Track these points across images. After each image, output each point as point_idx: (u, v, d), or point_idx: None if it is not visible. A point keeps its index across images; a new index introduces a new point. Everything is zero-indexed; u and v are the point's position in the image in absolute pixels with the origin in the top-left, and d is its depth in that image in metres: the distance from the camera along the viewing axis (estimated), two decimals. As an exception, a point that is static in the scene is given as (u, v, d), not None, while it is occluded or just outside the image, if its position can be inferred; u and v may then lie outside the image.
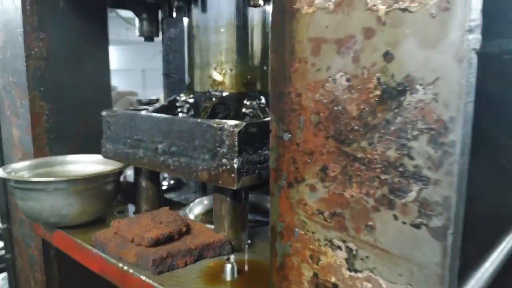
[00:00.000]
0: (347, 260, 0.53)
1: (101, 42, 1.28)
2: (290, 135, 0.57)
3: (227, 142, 0.78)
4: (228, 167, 0.78)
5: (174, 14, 1.11)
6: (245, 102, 0.98)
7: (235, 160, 0.77)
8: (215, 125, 0.80)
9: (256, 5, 0.95)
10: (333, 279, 0.55)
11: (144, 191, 1.06)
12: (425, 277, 0.46)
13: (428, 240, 0.46)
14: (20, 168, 1.10)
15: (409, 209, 0.47)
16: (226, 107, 0.99)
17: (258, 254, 0.87)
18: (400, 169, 0.47)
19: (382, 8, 0.46)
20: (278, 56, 0.56)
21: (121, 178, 1.13)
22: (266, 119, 0.90)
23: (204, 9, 0.99)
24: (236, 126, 0.78)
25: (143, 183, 1.06)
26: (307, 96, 0.54)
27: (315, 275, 0.57)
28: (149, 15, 1.38)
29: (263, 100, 1.00)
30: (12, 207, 1.35)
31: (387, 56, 0.46)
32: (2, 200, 1.52)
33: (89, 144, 1.21)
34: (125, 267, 0.81)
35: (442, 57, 0.42)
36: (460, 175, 0.44)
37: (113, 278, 0.85)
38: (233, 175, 0.78)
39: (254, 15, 0.99)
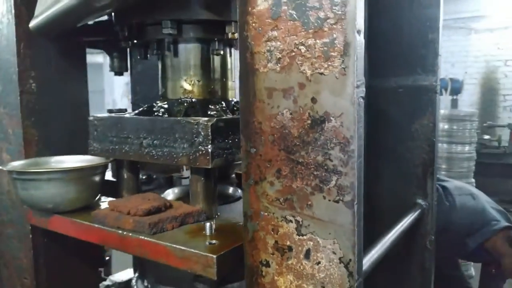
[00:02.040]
0: (296, 228, 0.82)
1: (80, 77, 1.50)
2: (255, 149, 0.85)
3: (202, 133, 1.05)
4: (204, 151, 1.05)
5: (148, 56, 1.36)
6: (210, 106, 1.24)
7: (209, 146, 1.04)
8: (192, 121, 1.07)
9: (218, 54, 1.24)
10: (288, 243, 0.83)
11: (126, 181, 1.30)
12: (344, 232, 0.76)
13: (343, 210, 0.76)
14: (18, 165, 1.28)
15: (332, 191, 0.77)
16: (195, 110, 1.24)
17: (225, 221, 1.13)
18: (325, 167, 0.77)
19: (309, 72, 0.76)
20: (246, 98, 0.84)
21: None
22: (230, 117, 1.18)
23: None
24: (209, 120, 1.05)
25: (125, 175, 1.29)
26: (265, 124, 0.83)
27: (276, 242, 0.85)
28: (120, 53, 1.62)
29: (224, 105, 1.27)
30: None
31: (313, 100, 0.76)
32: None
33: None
34: (125, 233, 1.04)
35: (343, 101, 0.73)
36: (358, 169, 0.74)
37: (113, 244, 1.08)
38: (208, 157, 1.05)
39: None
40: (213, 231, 1.01)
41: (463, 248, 2.15)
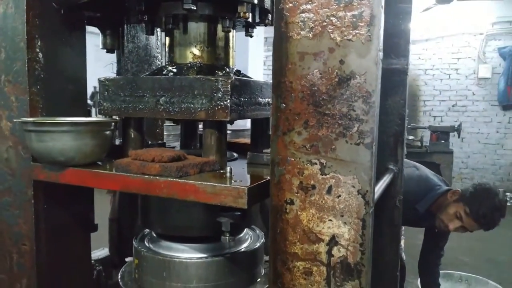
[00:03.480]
0: (320, 169, 0.99)
1: (81, 50, 1.55)
2: (285, 105, 1.01)
3: (222, 89, 1.19)
4: (223, 106, 1.19)
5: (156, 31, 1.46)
6: (216, 71, 1.37)
7: (228, 101, 1.18)
8: (213, 78, 1.20)
9: (228, 31, 1.38)
10: (311, 182, 1.00)
11: (133, 141, 1.39)
12: (363, 169, 0.95)
13: (363, 150, 0.94)
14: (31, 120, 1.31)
15: (354, 136, 0.95)
16: (204, 73, 1.36)
17: (238, 171, 1.28)
18: (349, 117, 0.95)
19: (338, 38, 0.94)
20: (278, 61, 1.00)
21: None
22: (242, 78, 1.31)
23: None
24: (228, 77, 1.19)
25: (132, 134, 1.39)
26: (296, 83, 0.99)
27: (301, 182, 1.02)
28: (112, 31, 1.70)
29: (228, 70, 1.41)
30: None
31: (341, 62, 0.94)
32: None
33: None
34: (151, 177, 1.14)
35: (368, 62, 0.92)
36: (377, 117, 0.94)
37: (138, 188, 1.16)
38: (226, 111, 1.19)
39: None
40: (232, 174, 1.15)
41: (413, 214, 2.46)
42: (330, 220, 0.99)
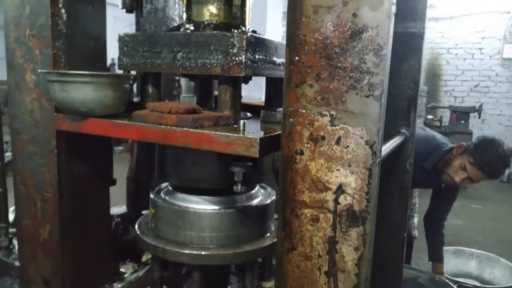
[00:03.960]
0: (330, 121, 1.03)
1: (101, 7, 1.60)
2: (298, 58, 1.04)
3: (237, 45, 1.22)
4: (238, 61, 1.23)
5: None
6: (232, 30, 1.40)
7: (243, 56, 1.22)
8: (228, 34, 1.24)
9: None
10: (321, 133, 1.04)
11: (150, 96, 1.45)
12: (371, 120, 0.98)
13: (373, 102, 0.97)
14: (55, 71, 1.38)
15: (364, 88, 0.98)
16: (220, 31, 1.40)
17: (251, 127, 1.31)
18: (360, 69, 0.98)
19: (353, -9, 0.96)
20: (292, 15, 1.03)
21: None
22: (257, 35, 1.33)
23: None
24: (244, 33, 1.23)
25: (150, 90, 1.45)
26: (309, 36, 1.02)
27: (311, 133, 1.05)
28: (132, -9, 1.73)
29: (244, 29, 1.44)
30: (17, 142, 1.60)
31: (354, 15, 0.96)
32: (-1, 141, 1.75)
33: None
34: (168, 127, 1.19)
35: (380, 15, 0.94)
36: (387, 69, 0.96)
37: (156, 137, 1.22)
38: (241, 66, 1.23)
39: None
40: (245, 125, 1.19)
41: (421, 174, 2.51)
42: (338, 169, 1.03)
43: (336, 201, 1.04)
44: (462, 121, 6.70)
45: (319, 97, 1.03)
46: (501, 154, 2.38)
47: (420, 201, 3.62)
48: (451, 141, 2.78)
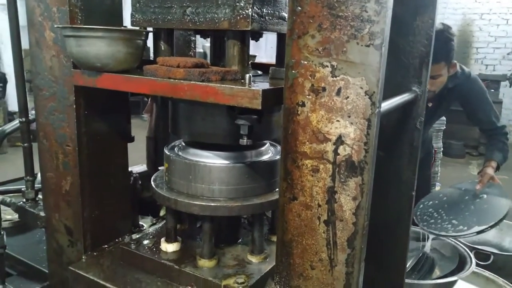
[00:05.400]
0: (331, 72, 1.04)
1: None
2: (300, 8, 1.05)
3: None
4: (245, 15, 1.25)
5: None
6: None
7: (249, 10, 1.24)
8: None
9: None
10: (322, 84, 1.05)
11: (162, 53, 1.49)
12: (371, 70, 0.99)
13: (373, 51, 0.98)
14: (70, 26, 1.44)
15: (364, 37, 0.98)
16: None
17: (259, 82, 1.32)
18: (361, 18, 0.98)
19: None
20: (296, -36, 1.03)
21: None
22: None
23: None
24: None
25: (162, 46, 1.49)
26: (312, -14, 1.02)
27: (312, 85, 1.07)
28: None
29: None
30: (39, 98, 1.67)
31: (356, -38, 0.96)
32: (21, 96, 1.83)
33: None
34: (176, 81, 1.23)
35: (382, -38, 0.93)
36: (388, 18, 0.96)
37: (164, 91, 1.26)
38: (248, 20, 1.25)
39: None
40: (251, 80, 1.21)
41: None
42: (338, 120, 1.04)
43: (335, 152, 1.06)
44: (492, 90, 6.47)
45: (321, 48, 1.04)
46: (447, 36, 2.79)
47: (443, 170, 3.59)
48: None
